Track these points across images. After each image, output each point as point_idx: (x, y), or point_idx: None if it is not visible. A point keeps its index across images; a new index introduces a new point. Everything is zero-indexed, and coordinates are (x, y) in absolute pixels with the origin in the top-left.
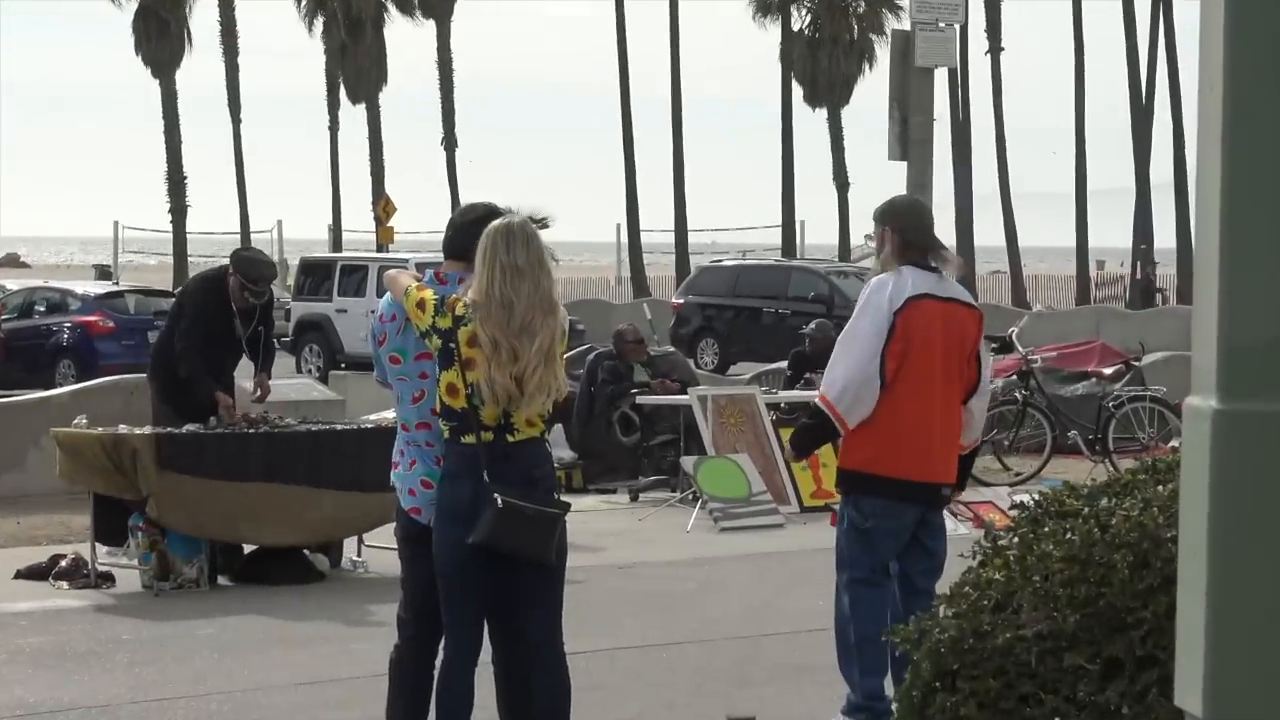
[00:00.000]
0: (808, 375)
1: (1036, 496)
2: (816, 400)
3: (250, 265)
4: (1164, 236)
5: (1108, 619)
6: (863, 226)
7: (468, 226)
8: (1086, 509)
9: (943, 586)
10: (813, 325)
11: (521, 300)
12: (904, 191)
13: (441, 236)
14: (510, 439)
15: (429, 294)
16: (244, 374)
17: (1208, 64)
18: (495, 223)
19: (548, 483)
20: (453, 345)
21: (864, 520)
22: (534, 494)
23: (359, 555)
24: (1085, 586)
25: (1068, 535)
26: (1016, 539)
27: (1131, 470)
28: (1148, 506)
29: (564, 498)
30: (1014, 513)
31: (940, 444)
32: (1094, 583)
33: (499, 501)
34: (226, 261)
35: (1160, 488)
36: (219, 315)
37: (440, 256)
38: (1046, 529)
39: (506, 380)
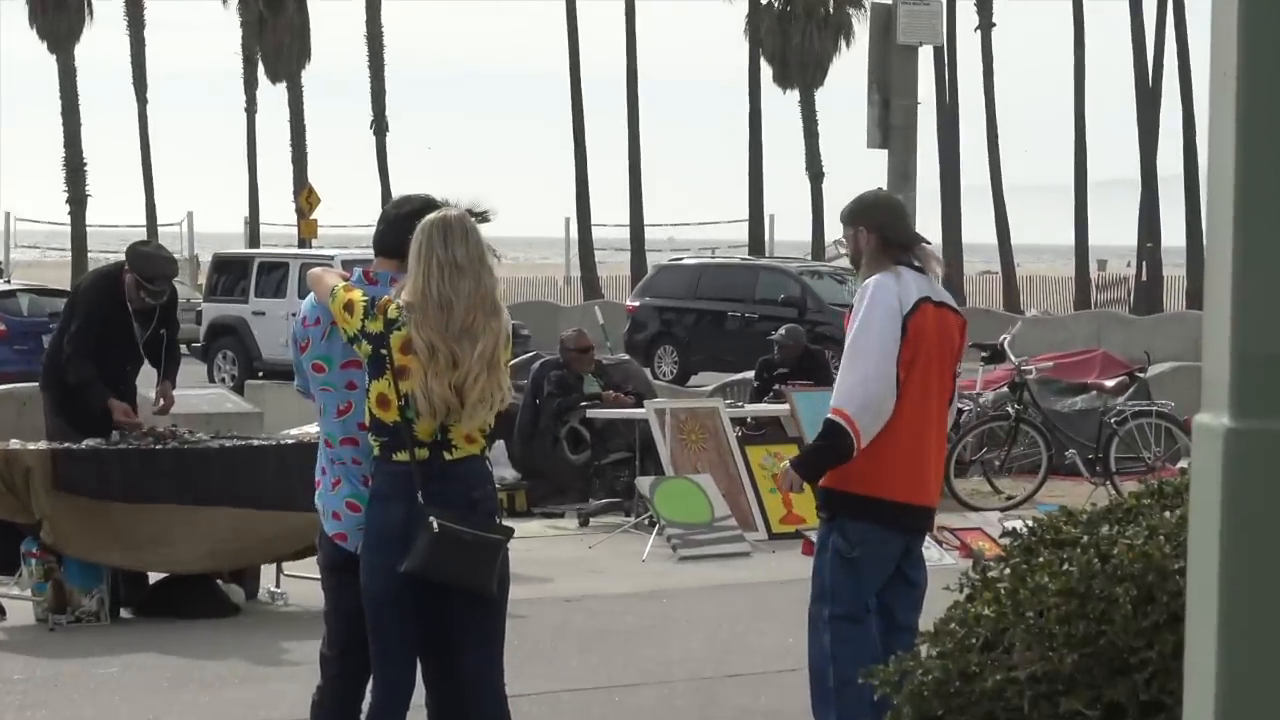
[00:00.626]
0: (777, 386)
1: (1030, 523)
2: (830, 415)
3: (146, 261)
4: (1172, 233)
5: (1109, 659)
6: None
7: (402, 220)
8: (1085, 537)
9: (926, 622)
10: (783, 331)
11: (461, 300)
12: (884, 183)
13: (371, 231)
14: (447, 456)
15: (358, 295)
16: (146, 383)
17: (1220, 47)
18: (431, 215)
19: (488, 505)
20: (384, 351)
21: (851, 548)
22: (473, 517)
23: (278, 586)
24: (1084, 623)
25: (1064, 566)
26: (1008, 570)
27: (1135, 494)
28: (1153, 535)
29: (506, 522)
30: (1005, 541)
31: (934, 462)
32: (1094, 619)
33: (435, 526)
34: (120, 260)
35: (1167, 514)
36: (115, 317)
37: (370, 253)
38: (1041, 559)
39: (445, 390)
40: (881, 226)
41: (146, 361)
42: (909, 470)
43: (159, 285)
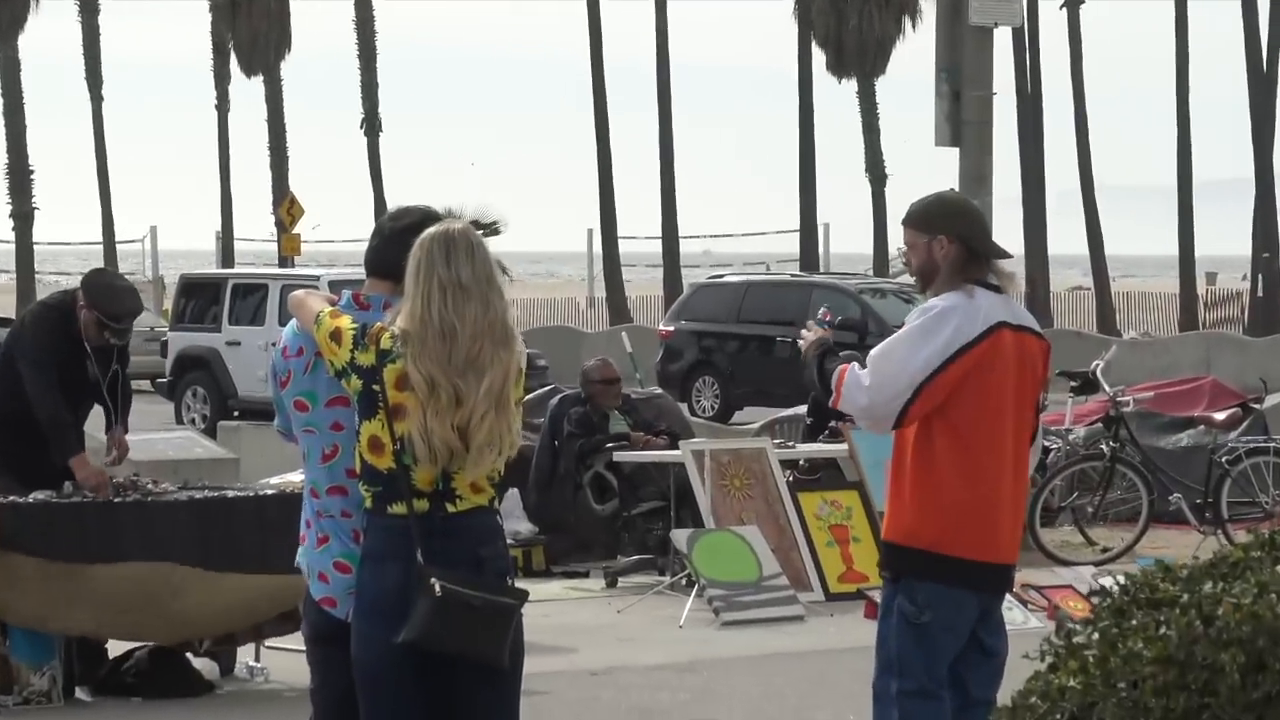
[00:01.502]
0: (833, 424)
1: (1122, 580)
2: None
3: (111, 297)
4: None
5: None
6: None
7: (398, 235)
8: (1185, 596)
9: (1004, 695)
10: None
11: (466, 327)
12: (956, 186)
13: (363, 248)
14: (451, 509)
15: (346, 322)
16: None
17: None
18: (430, 230)
19: (499, 564)
20: (377, 388)
21: (919, 612)
22: (482, 579)
23: (257, 659)
24: (1184, 695)
25: (1161, 630)
26: (1096, 635)
27: (1243, 545)
28: (1264, 592)
29: (520, 584)
30: (1094, 600)
31: (1011, 514)
32: (1195, 691)
33: (437, 589)
34: (71, 289)
35: None
36: (71, 356)
37: (361, 273)
38: (1134, 622)
39: (447, 432)
40: (967, 237)
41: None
42: (982, 522)
43: (125, 324)
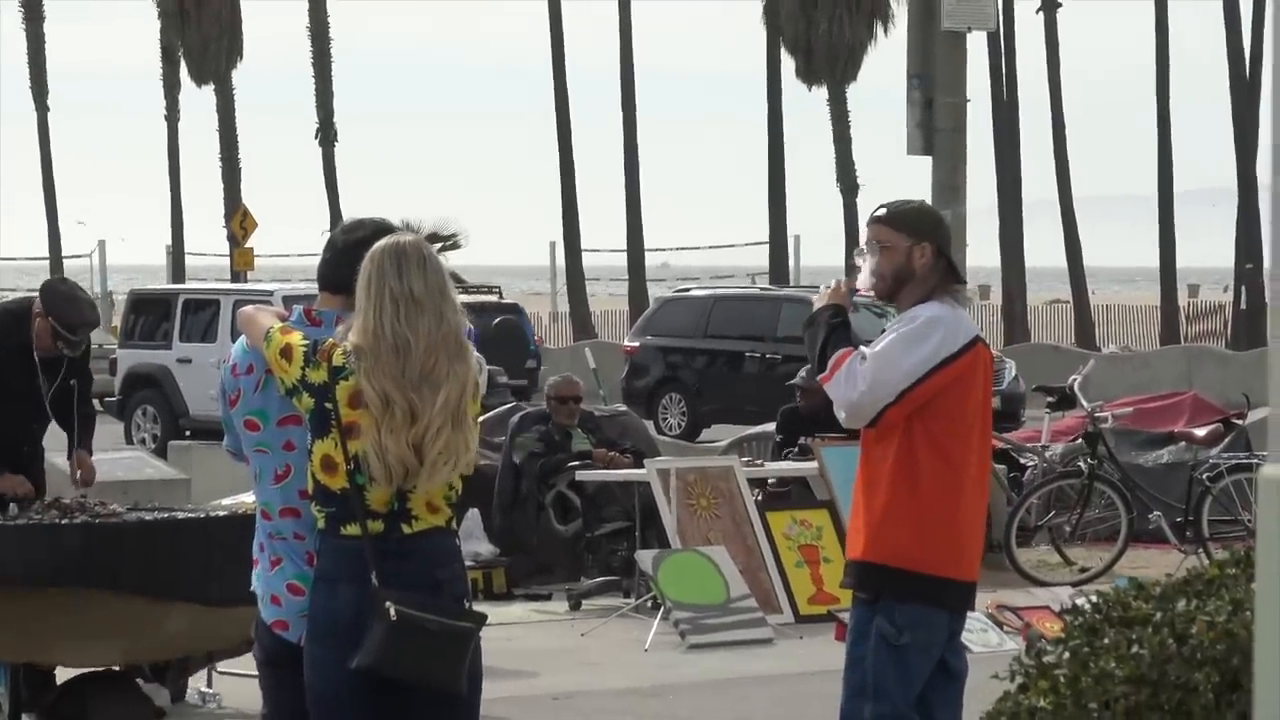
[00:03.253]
0: (802, 440)
1: (1095, 599)
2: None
3: (67, 305)
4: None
5: None
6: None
7: (352, 249)
8: (1159, 614)
9: (971, 717)
10: (804, 373)
11: (420, 340)
12: (928, 196)
13: (317, 262)
14: (407, 529)
15: (297, 338)
16: (51, 445)
17: None
18: (381, 242)
19: (456, 587)
20: (329, 405)
21: (899, 634)
22: (438, 602)
23: (209, 685)
24: (1157, 716)
25: (1134, 649)
26: (1067, 654)
27: (1218, 562)
28: (1238, 610)
29: (480, 607)
30: (1066, 619)
31: (981, 530)
32: (1169, 710)
33: (392, 613)
34: (29, 295)
35: (1255, 585)
36: (19, 366)
37: (314, 288)
38: (1106, 641)
39: (402, 449)
40: (945, 250)
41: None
42: (959, 539)
43: (81, 335)
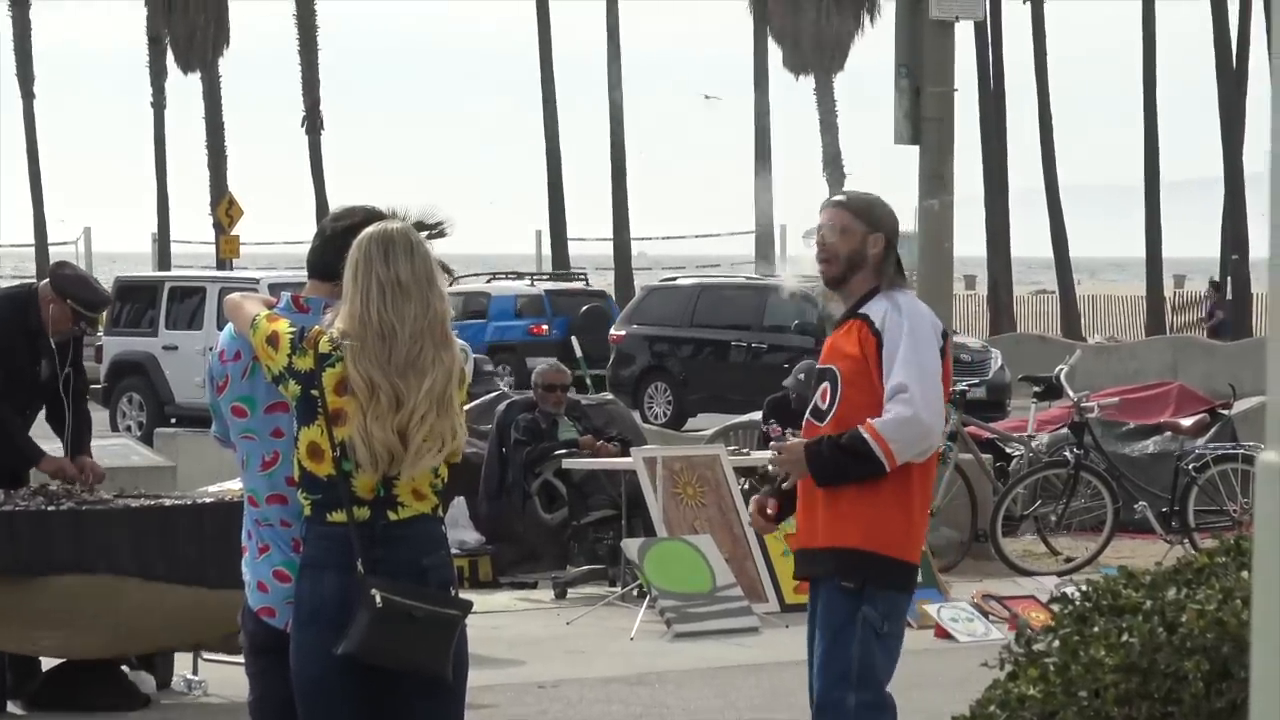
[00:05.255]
0: (790, 431)
1: (1084, 587)
2: (869, 438)
3: (85, 287)
4: (1263, 242)
5: None
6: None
7: (340, 236)
8: (1148, 603)
9: (960, 705)
10: (799, 367)
11: (406, 327)
12: (915, 185)
13: (304, 250)
14: (393, 516)
15: (284, 325)
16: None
17: None
18: (368, 229)
19: (442, 574)
20: (315, 393)
21: (883, 622)
22: (424, 589)
23: (195, 672)
24: (1147, 704)
25: (1124, 637)
26: (1057, 642)
27: (1209, 551)
28: (1228, 599)
29: (466, 595)
30: (1055, 608)
31: (927, 517)
32: (1158, 700)
33: (377, 600)
34: (29, 282)
35: (1246, 574)
36: (24, 352)
37: (302, 275)
38: (1096, 629)
39: (387, 434)
40: (895, 244)
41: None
42: (920, 525)
43: (99, 312)
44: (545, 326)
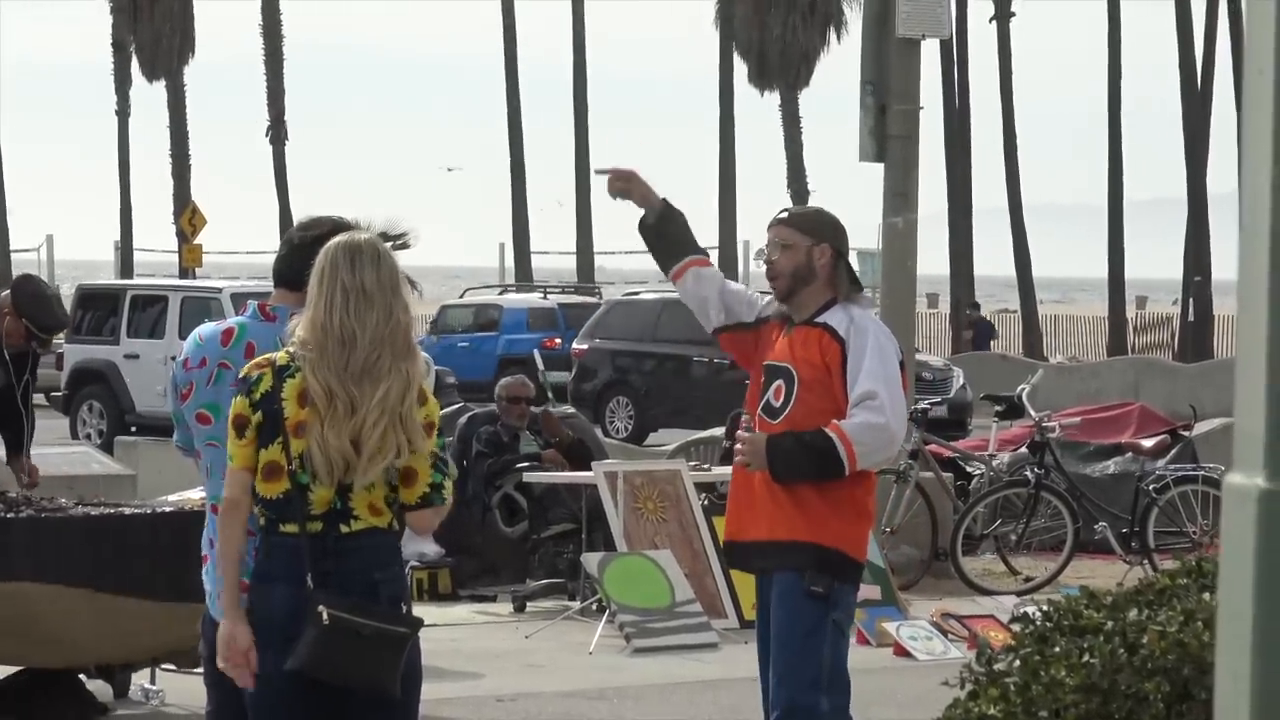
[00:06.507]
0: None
1: (1046, 607)
2: (834, 438)
3: (41, 307)
4: (1225, 264)
5: None
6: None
7: (308, 246)
8: (1110, 623)
9: None
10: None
11: (366, 333)
12: (880, 202)
13: (268, 259)
14: (345, 529)
15: (237, 403)
16: None
17: (1258, 41)
18: (337, 238)
19: (393, 589)
20: (277, 407)
21: (847, 621)
22: (373, 606)
23: (153, 682)
24: None
25: (1084, 658)
26: (1017, 662)
27: (1170, 572)
28: (1189, 620)
29: (423, 608)
30: (1016, 628)
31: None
32: None
33: (324, 616)
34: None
35: (1207, 595)
36: None
37: (265, 285)
38: (1057, 649)
39: (342, 443)
40: (844, 254)
41: None
42: (870, 522)
43: (52, 335)
44: (558, 339)
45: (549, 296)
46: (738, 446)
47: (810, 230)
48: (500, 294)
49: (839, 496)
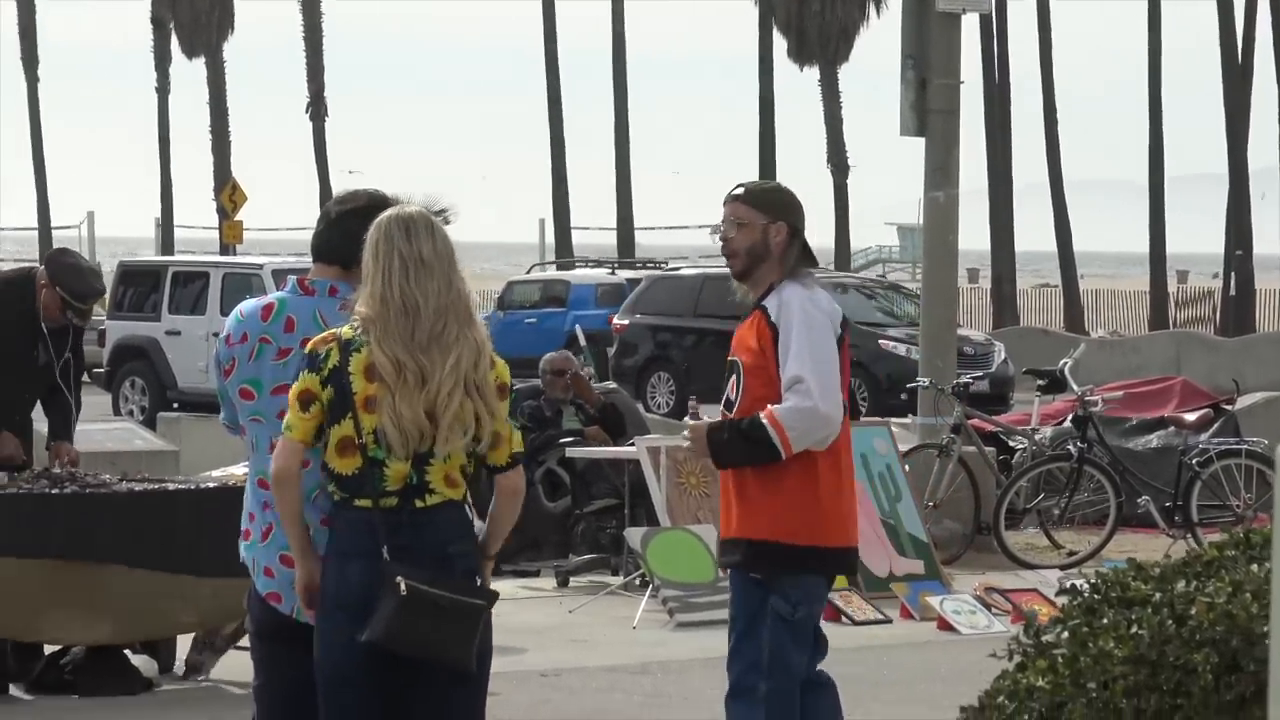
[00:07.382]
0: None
1: (1093, 579)
2: (766, 423)
3: (76, 276)
4: (1267, 239)
5: None
6: (868, 220)
7: (345, 219)
8: (1157, 595)
9: (963, 697)
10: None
11: (430, 302)
12: (921, 177)
13: (309, 235)
14: (420, 504)
15: (297, 386)
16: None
17: None
18: (387, 212)
19: (469, 562)
20: (345, 382)
21: (794, 609)
22: (450, 578)
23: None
24: (1156, 696)
25: (1132, 629)
26: (1066, 634)
27: (1218, 544)
28: (1238, 591)
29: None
30: (1062, 600)
31: (852, 495)
32: (1167, 692)
33: (402, 587)
34: (28, 265)
35: (1255, 567)
36: (21, 334)
37: (305, 261)
38: (1105, 621)
39: (416, 414)
40: (800, 232)
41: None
42: (843, 510)
43: (89, 304)
44: None
45: (617, 272)
46: (684, 434)
47: (766, 208)
48: (568, 269)
49: (782, 486)
